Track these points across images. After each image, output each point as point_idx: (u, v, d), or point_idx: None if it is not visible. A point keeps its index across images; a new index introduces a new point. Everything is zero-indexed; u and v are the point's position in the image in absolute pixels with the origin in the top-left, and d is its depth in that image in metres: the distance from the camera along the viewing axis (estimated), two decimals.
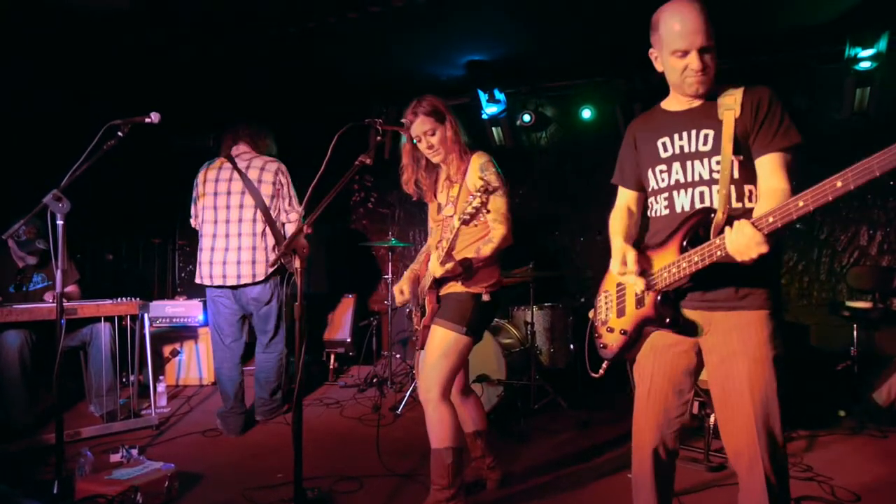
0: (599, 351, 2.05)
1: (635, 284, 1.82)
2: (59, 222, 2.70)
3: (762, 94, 1.76)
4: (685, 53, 1.74)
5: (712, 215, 1.73)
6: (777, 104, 1.75)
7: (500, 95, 5.31)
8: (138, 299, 4.01)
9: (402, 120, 2.66)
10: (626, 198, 2.13)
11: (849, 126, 4.59)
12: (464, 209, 2.30)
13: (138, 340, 4.07)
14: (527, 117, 5.52)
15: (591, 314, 2.13)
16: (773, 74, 4.79)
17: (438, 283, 2.64)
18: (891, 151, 1.29)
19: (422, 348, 2.68)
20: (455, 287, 2.62)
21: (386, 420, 4.15)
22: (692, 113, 1.86)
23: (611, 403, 4.35)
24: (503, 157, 2.95)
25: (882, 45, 4.21)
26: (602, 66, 5.15)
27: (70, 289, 4.26)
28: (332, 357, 5.59)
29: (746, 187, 1.77)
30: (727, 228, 1.58)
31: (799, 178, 1.68)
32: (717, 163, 1.76)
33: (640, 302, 1.87)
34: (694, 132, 1.83)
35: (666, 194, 1.88)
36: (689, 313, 1.82)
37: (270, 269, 3.91)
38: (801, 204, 1.44)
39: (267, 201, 3.90)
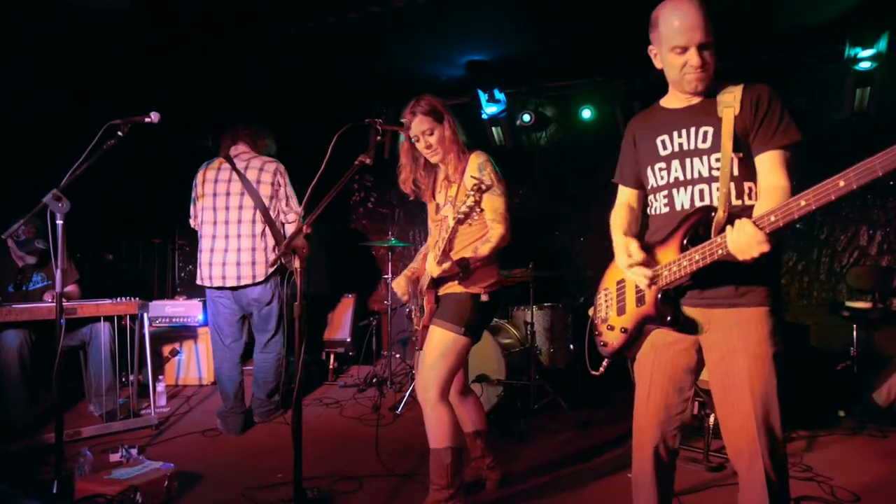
0: (599, 349, 2.05)
1: (642, 274, 1.80)
2: (59, 222, 2.70)
3: (762, 92, 1.76)
4: (684, 50, 1.74)
5: (713, 213, 1.73)
6: (777, 101, 1.75)
7: (499, 95, 5.31)
8: (138, 299, 4.02)
9: (401, 119, 2.66)
10: (626, 196, 2.12)
11: (849, 126, 4.59)
12: (458, 208, 2.30)
13: (138, 340, 4.07)
14: (527, 117, 5.52)
15: (591, 312, 2.13)
16: (773, 74, 4.79)
17: (437, 283, 2.64)
18: (893, 151, 1.29)
19: (421, 349, 2.67)
20: (454, 287, 2.61)
21: (385, 420, 4.15)
22: (691, 110, 1.85)
23: (611, 403, 4.34)
24: (503, 157, 2.95)
25: (882, 45, 4.21)
26: (602, 66, 5.15)
27: (70, 288, 4.26)
28: (332, 357, 5.59)
29: (746, 185, 1.77)
30: (728, 227, 1.58)
31: (799, 178, 1.68)
32: (717, 160, 1.76)
33: (640, 300, 1.87)
34: (693, 129, 1.82)
35: (665, 192, 1.87)
36: (689, 311, 1.81)
37: (270, 270, 3.91)
38: (803, 203, 1.44)
39: (266, 201, 3.89)
